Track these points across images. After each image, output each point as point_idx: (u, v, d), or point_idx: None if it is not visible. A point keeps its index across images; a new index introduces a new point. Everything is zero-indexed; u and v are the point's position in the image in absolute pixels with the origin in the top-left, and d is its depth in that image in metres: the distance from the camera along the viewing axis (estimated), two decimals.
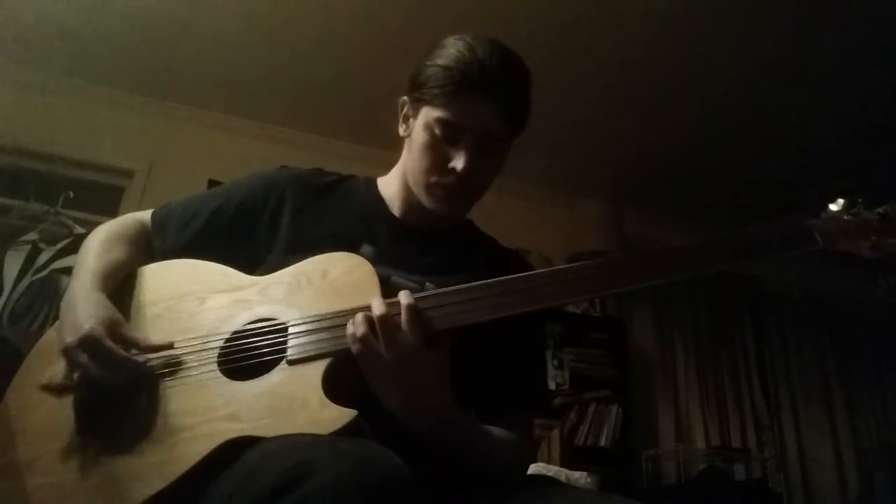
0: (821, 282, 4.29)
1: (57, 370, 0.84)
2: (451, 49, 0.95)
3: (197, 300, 0.93)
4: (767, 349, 4.31)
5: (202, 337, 0.88)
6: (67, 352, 0.82)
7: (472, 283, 0.85)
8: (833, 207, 0.85)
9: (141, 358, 0.83)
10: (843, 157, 3.58)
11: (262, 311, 0.89)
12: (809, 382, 4.30)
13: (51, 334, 0.94)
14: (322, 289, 0.89)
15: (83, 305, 0.86)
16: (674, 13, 2.85)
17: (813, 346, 4.40)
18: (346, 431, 0.71)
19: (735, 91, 3.29)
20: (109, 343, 0.82)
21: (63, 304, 0.89)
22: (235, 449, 0.71)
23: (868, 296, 4.35)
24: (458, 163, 0.93)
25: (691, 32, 2.96)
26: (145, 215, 1.09)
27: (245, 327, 0.88)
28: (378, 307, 0.79)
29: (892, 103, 3.25)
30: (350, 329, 0.80)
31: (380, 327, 0.78)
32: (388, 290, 0.87)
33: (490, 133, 0.95)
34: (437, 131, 0.94)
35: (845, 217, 0.84)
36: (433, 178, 0.96)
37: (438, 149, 0.95)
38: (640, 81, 3.26)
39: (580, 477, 2.70)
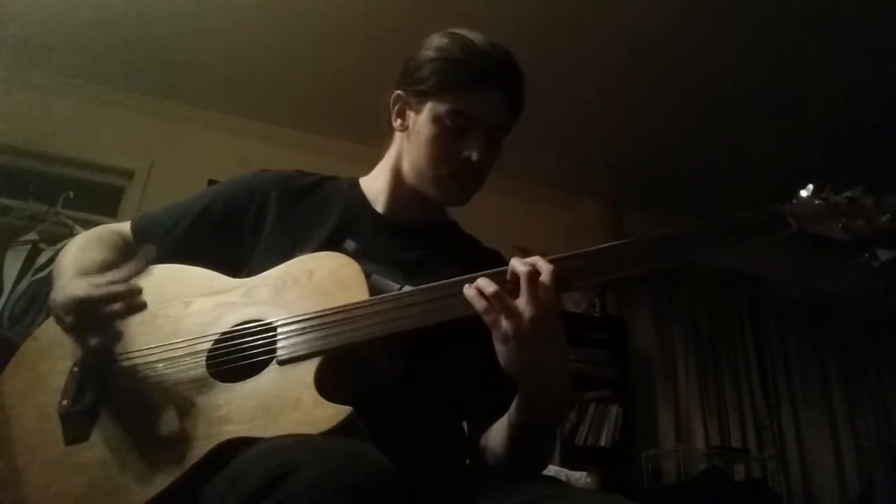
0: (821, 282, 4.29)
1: (73, 349, 0.82)
2: (451, 42, 0.97)
3: (181, 304, 0.91)
4: (767, 349, 4.31)
5: (189, 340, 0.86)
6: (82, 304, 0.80)
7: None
8: (803, 193, 0.90)
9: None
10: (843, 156, 3.58)
11: (249, 313, 0.88)
12: (809, 382, 4.30)
13: (28, 345, 0.92)
14: (309, 289, 0.89)
15: (75, 284, 0.85)
16: (673, 13, 2.85)
17: (813, 346, 4.41)
18: (342, 429, 0.70)
19: (734, 91, 3.29)
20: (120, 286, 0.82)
21: (52, 298, 0.86)
22: (231, 451, 0.70)
23: (868, 296, 4.35)
24: (475, 153, 0.95)
25: (691, 33, 2.96)
26: (123, 226, 1.08)
27: (233, 329, 0.87)
28: (521, 264, 0.79)
29: (893, 102, 3.25)
30: (470, 291, 0.79)
31: (527, 283, 0.77)
32: (368, 288, 0.87)
33: (500, 123, 0.98)
34: (448, 123, 0.95)
35: (816, 202, 0.88)
36: (444, 170, 0.98)
37: (449, 140, 0.96)
38: (640, 81, 3.26)
39: (580, 477, 2.70)
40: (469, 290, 0.80)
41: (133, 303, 0.82)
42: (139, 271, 0.86)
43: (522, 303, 0.77)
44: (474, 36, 0.97)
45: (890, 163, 3.36)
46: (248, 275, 0.95)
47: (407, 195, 1.04)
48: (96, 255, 0.97)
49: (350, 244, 0.99)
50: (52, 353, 0.89)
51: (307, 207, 1.05)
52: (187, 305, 0.91)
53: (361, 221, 1.04)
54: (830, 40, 2.93)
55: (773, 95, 3.30)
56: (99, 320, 0.81)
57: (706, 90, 3.30)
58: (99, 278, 0.84)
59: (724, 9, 2.81)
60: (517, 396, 0.85)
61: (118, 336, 0.82)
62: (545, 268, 0.79)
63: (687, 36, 2.98)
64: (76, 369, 0.85)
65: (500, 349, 0.79)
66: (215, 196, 1.06)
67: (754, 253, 3.94)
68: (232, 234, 1.03)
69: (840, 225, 0.85)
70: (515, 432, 0.87)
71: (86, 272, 0.91)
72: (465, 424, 1.03)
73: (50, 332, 0.91)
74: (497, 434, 0.92)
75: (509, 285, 0.79)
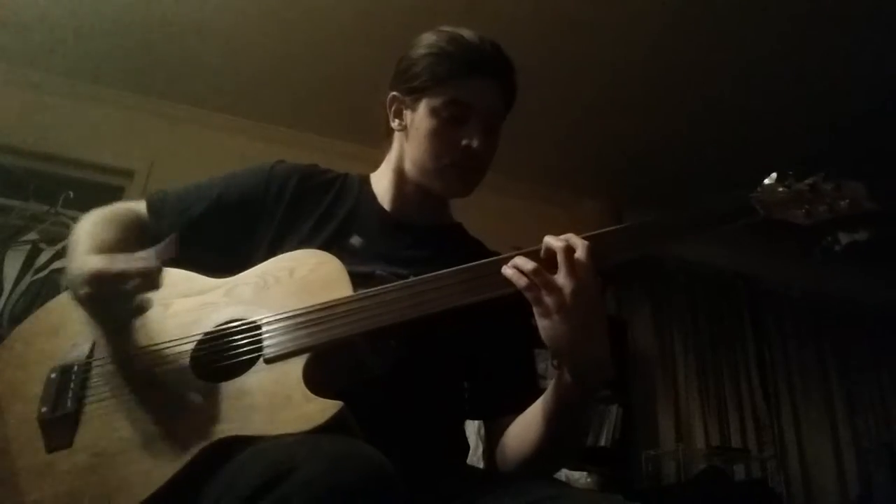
0: (821, 282, 4.29)
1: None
2: (440, 38, 0.99)
3: (161, 306, 0.90)
4: (767, 349, 4.31)
5: (171, 342, 0.86)
6: (99, 277, 0.80)
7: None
8: (767, 181, 0.93)
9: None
10: (844, 156, 3.57)
11: (231, 313, 0.88)
12: (809, 382, 4.30)
13: (13, 340, 0.91)
14: (291, 287, 0.89)
15: (92, 259, 0.85)
16: (674, 13, 2.85)
17: (813, 346, 4.41)
18: (334, 424, 0.70)
19: (735, 91, 3.29)
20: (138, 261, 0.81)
21: (67, 271, 0.87)
22: (223, 451, 0.70)
23: (868, 296, 4.35)
24: (473, 140, 0.97)
25: (691, 32, 2.96)
26: (139, 205, 1.08)
27: (216, 329, 0.87)
28: (556, 240, 0.81)
29: (894, 102, 3.25)
30: (509, 270, 0.81)
31: (564, 257, 0.79)
32: (371, 284, 0.87)
33: (495, 111, 1.01)
34: (444, 114, 0.97)
35: (779, 189, 0.91)
36: (445, 161, 0.99)
37: (448, 131, 0.98)
38: (640, 81, 3.26)
39: (580, 477, 2.71)
40: (508, 269, 0.81)
41: (150, 281, 0.81)
42: (161, 256, 0.85)
43: (561, 277, 0.78)
44: (462, 30, 1.00)
45: (891, 163, 3.36)
46: (256, 263, 0.94)
47: (411, 194, 1.05)
48: (111, 233, 0.98)
49: (356, 239, 1.00)
50: (27, 361, 0.88)
51: (319, 201, 1.06)
52: (167, 307, 0.90)
53: (368, 217, 1.05)
54: (830, 40, 2.93)
55: (773, 95, 3.29)
56: (115, 294, 0.81)
57: (706, 90, 3.29)
58: (117, 256, 0.85)
59: (724, 9, 2.81)
60: (555, 377, 0.84)
61: (137, 309, 0.83)
62: (580, 243, 0.81)
63: (687, 36, 2.98)
64: (53, 375, 0.84)
65: (543, 324, 0.80)
66: (233, 182, 1.07)
67: (754, 253, 3.94)
68: (246, 221, 1.03)
69: (803, 211, 0.88)
70: (553, 415, 0.86)
71: (100, 250, 0.91)
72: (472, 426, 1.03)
73: (23, 340, 0.91)
74: (526, 425, 0.91)
75: (545, 263, 0.80)
